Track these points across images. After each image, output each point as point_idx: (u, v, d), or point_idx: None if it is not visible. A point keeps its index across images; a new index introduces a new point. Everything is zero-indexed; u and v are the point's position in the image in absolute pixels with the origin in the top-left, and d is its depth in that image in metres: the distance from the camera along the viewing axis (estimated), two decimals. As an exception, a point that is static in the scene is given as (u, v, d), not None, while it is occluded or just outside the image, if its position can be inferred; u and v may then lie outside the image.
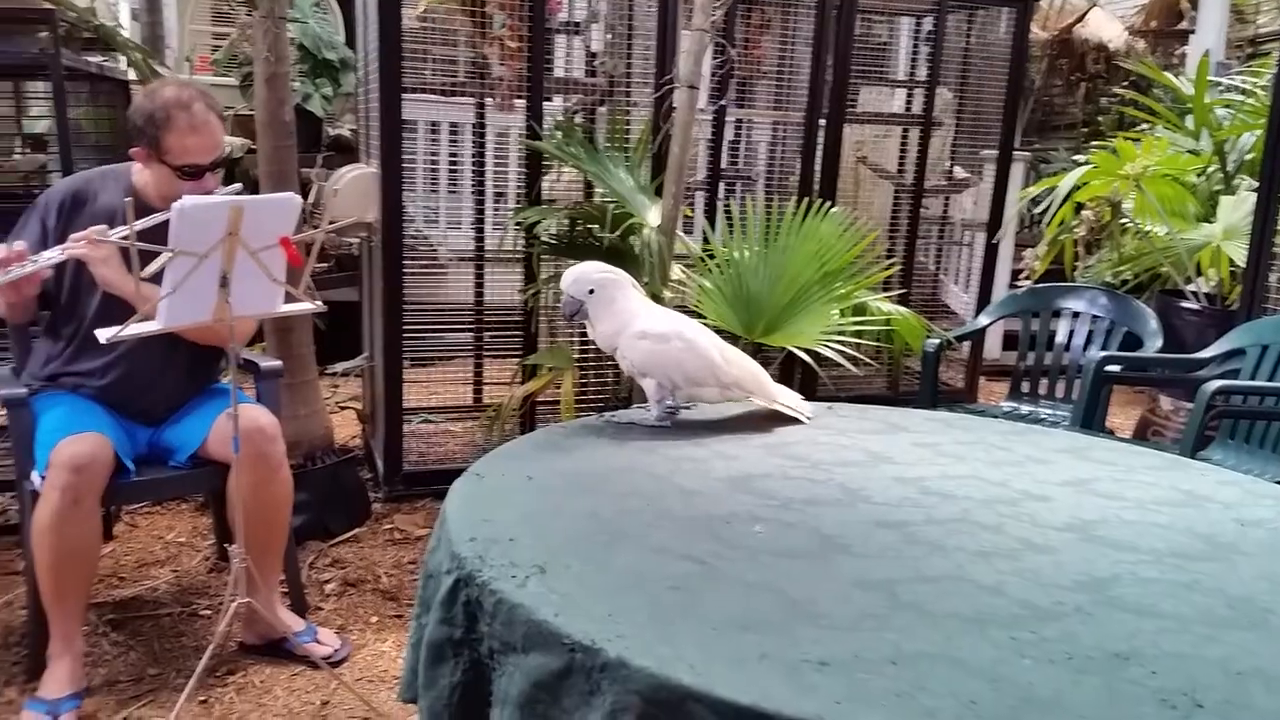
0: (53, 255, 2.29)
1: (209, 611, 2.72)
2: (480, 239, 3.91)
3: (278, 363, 2.64)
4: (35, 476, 2.26)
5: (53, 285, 2.44)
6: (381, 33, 3.25)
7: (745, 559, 1.26)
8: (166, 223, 2.30)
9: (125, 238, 2.00)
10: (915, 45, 4.85)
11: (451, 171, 4.21)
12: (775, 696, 0.94)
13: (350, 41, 5.45)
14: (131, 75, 3.99)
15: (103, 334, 2.06)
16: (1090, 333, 3.38)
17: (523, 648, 1.12)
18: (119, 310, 2.40)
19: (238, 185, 2.65)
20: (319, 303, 2.31)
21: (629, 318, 1.80)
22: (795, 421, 1.87)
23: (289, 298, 2.25)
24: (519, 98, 3.65)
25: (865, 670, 1.01)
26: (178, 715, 2.18)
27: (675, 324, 1.84)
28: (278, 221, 2.14)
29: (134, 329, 2.05)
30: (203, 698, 2.30)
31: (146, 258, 2.02)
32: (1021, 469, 1.70)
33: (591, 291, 1.79)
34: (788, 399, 1.91)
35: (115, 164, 2.58)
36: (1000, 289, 4.93)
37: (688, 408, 1.91)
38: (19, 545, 2.95)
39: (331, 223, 2.27)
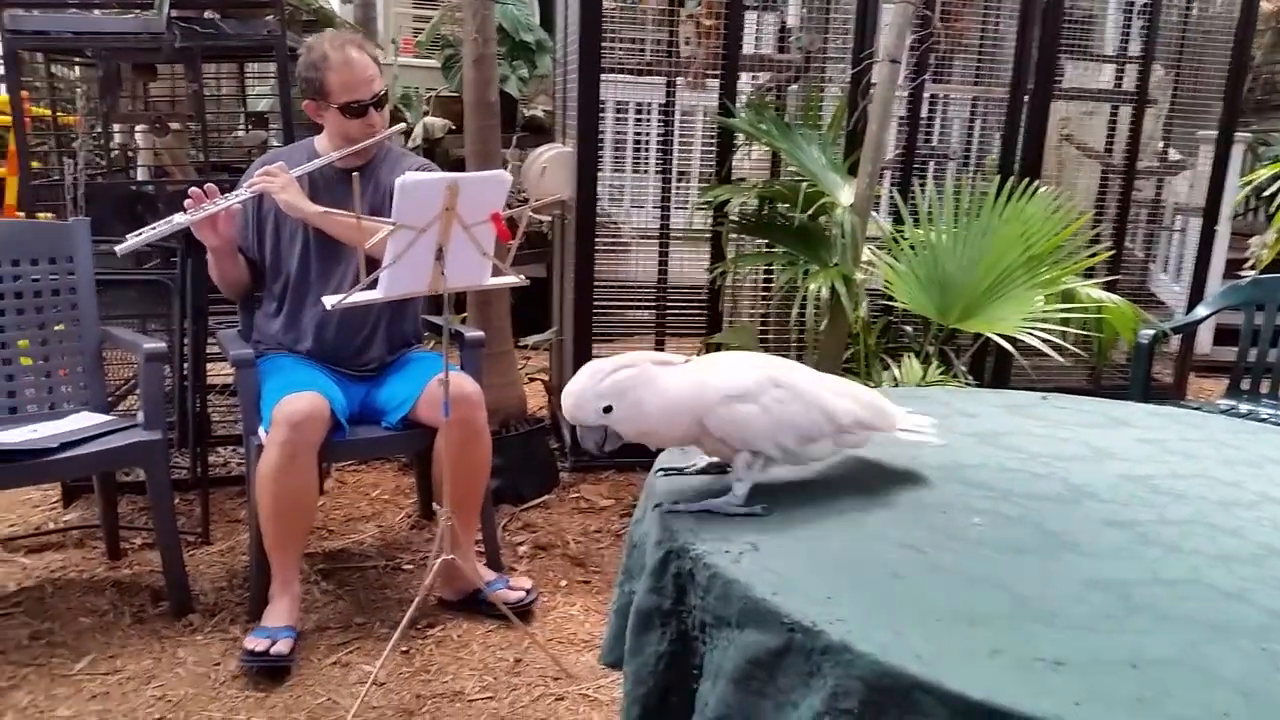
0: (240, 193, 2.51)
1: (410, 566, 2.87)
2: (665, 217, 3.93)
3: (481, 333, 2.75)
4: (261, 432, 2.43)
5: (255, 250, 2.64)
6: (583, 14, 3.30)
7: (965, 550, 1.22)
8: (339, 175, 2.51)
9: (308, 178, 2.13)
10: (1127, 18, 4.56)
11: (636, 150, 4.26)
12: (1010, 693, 0.91)
13: (545, 24, 5.57)
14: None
15: (328, 300, 2.19)
16: (1321, 329, 3.11)
17: (737, 623, 1.13)
18: (317, 261, 2.59)
19: (402, 125, 2.76)
20: (522, 277, 2.38)
21: (690, 395, 1.31)
22: (1016, 413, 1.80)
23: (496, 271, 2.34)
24: (711, 76, 3.64)
25: (1104, 672, 0.96)
26: (383, 663, 2.32)
27: (755, 369, 1.35)
28: (490, 198, 2.22)
29: (356, 297, 2.17)
30: (405, 648, 2.43)
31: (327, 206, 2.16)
32: (1258, 470, 1.59)
33: (609, 409, 1.30)
34: (911, 422, 1.49)
35: (304, 141, 2.78)
36: (1215, 279, 4.60)
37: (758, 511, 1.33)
38: (242, 495, 3.20)
39: (536, 200, 2.34)
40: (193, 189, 2.44)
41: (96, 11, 3.30)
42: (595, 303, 3.61)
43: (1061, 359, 2.91)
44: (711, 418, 1.31)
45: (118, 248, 2.50)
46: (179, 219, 2.43)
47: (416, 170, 2.60)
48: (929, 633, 1.02)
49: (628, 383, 1.30)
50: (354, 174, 2.17)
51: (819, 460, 1.42)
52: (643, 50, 3.95)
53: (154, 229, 2.44)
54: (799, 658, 1.04)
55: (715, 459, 1.43)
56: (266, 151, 3.28)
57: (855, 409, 1.39)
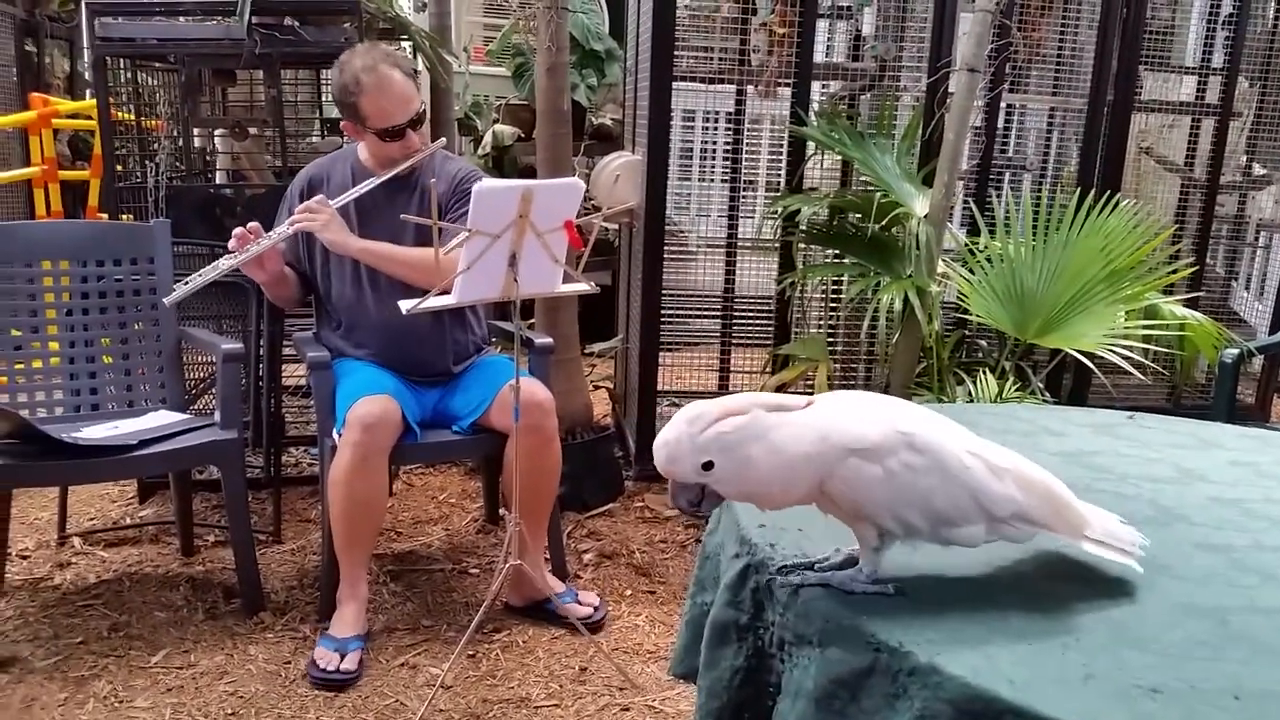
0: (282, 230, 2.48)
1: (477, 570, 2.89)
2: (732, 226, 3.92)
3: (550, 340, 2.76)
4: (335, 434, 2.46)
5: (306, 265, 2.65)
6: (655, 23, 3.31)
7: (1054, 572, 1.19)
8: (383, 187, 2.51)
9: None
10: (1210, 29, 4.45)
11: (703, 159, 4.25)
12: (1109, 721, 0.88)
13: (614, 33, 5.60)
14: (420, 65, 4.26)
15: (404, 305, 2.21)
16: None
17: (819, 642, 1.10)
18: (370, 277, 2.57)
19: (442, 140, 2.76)
20: (593, 284, 2.39)
21: (813, 452, 1.06)
22: (1102, 433, 1.74)
23: (566, 277, 2.35)
24: (783, 84, 3.62)
25: (1204, 702, 0.92)
26: (451, 667, 2.33)
27: (886, 421, 1.09)
28: (563, 205, 2.22)
29: (431, 302, 2.19)
30: (471, 652, 2.44)
31: (374, 221, 2.19)
32: (1359, 497, 1.52)
33: (709, 466, 1.06)
34: (1103, 527, 1.18)
35: (347, 147, 2.76)
36: (1300, 298, 4.46)
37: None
38: (313, 495, 3.25)
39: (608, 208, 2.34)
40: (237, 230, 2.43)
41: (181, 19, 3.38)
42: (662, 311, 3.60)
43: (1143, 377, 2.84)
44: (833, 479, 1.07)
45: (166, 299, 2.53)
46: (225, 263, 2.43)
47: (460, 178, 2.60)
48: (1019, 655, 0.99)
49: (735, 435, 1.06)
50: (432, 181, 2.18)
51: (965, 546, 1.13)
52: (710, 58, 3.95)
53: (201, 275, 2.45)
54: (884, 679, 1.02)
55: (849, 553, 1.18)
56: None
57: (1017, 497, 1.10)
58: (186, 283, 2.46)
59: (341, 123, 2.60)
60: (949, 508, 1.09)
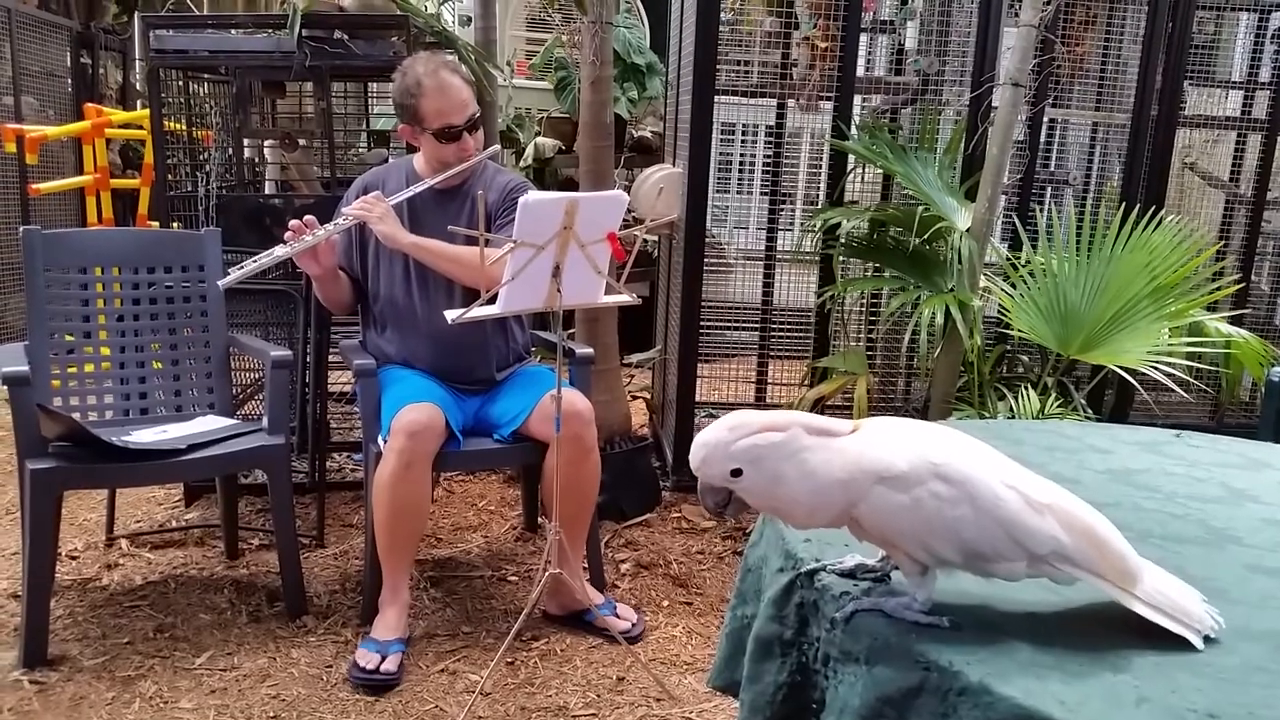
0: (339, 223, 2.54)
1: (515, 578, 2.91)
2: (771, 239, 3.93)
3: (590, 350, 2.77)
4: (380, 440, 2.49)
5: (359, 269, 2.70)
6: (699, 38, 3.32)
7: (1103, 593, 1.18)
8: (435, 194, 2.59)
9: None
10: (1258, 43, 4.40)
11: (741, 172, 4.26)
12: (1161, 745, 0.88)
13: (655, 46, 5.64)
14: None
15: (450, 314, 2.24)
16: None
17: (866, 659, 1.10)
18: (419, 282, 2.63)
19: (495, 148, 2.79)
20: (635, 295, 2.41)
21: (845, 479, 1.06)
22: (1149, 451, 1.73)
23: (609, 289, 2.36)
24: (825, 98, 3.63)
25: (1261, 729, 0.92)
26: (490, 674, 2.35)
27: (924, 450, 1.07)
28: (607, 217, 2.24)
29: (476, 312, 2.22)
30: (510, 659, 2.46)
31: (425, 227, 2.36)
32: None
33: (738, 473, 1.08)
34: (1161, 591, 1.10)
35: (403, 158, 2.83)
36: (1348, 315, 4.39)
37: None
38: (355, 500, 3.29)
39: (650, 220, 2.36)
40: (293, 221, 2.49)
41: (232, 31, 3.44)
42: (700, 322, 3.61)
43: (1186, 394, 2.81)
44: (862, 506, 1.07)
45: (220, 282, 2.58)
46: (279, 251, 2.48)
47: (511, 188, 2.64)
48: (1071, 677, 0.99)
49: (769, 450, 1.06)
50: (480, 193, 2.21)
51: (1010, 579, 1.10)
52: (751, 72, 3.96)
53: (255, 262, 2.49)
54: (933, 698, 1.02)
55: (870, 564, 1.20)
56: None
57: (1058, 535, 1.06)
58: (241, 267, 2.50)
59: (398, 128, 2.66)
60: (980, 540, 1.06)
